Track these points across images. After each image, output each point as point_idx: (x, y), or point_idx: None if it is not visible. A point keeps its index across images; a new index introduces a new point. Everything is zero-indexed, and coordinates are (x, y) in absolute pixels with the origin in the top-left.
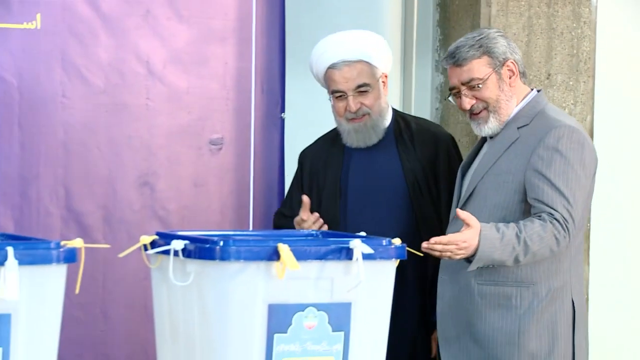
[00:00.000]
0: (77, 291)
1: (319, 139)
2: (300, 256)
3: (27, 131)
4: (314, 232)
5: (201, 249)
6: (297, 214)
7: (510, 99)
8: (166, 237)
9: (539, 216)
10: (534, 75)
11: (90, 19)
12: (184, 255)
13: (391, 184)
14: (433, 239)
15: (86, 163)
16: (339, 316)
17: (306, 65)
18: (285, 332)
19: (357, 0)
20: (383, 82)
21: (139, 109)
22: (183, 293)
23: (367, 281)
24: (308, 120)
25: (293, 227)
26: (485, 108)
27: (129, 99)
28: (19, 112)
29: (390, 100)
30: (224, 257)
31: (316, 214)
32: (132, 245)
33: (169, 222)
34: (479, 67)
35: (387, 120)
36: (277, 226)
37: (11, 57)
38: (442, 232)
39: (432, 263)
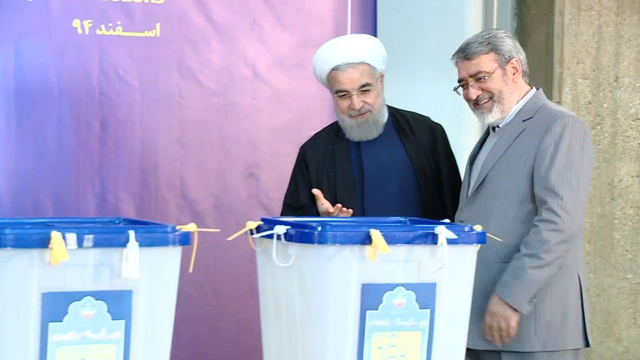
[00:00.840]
0: (190, 271)
1: (317, 133)
2: (390, 240)
3: (147, 128)
4: (402, 219)
5: (301, 234)
6: (305, 205)
7: (512, 92)
8: (270, 223)
9: (534, 225)
10: (603, 78)
11: (203, 28)
12: (285, 239)
13: (402, 171)
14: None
15: (199, 156)
16: (425, 295)
17: (396, 68)
18: (377, 309)
19: (441, 13)
20: (381, 81)
21: (245, 108)
22: (285, 273)
23: (450, 264)
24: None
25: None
26: (491, 98)
27: (237, 99)
28: (140, 111)
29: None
30: (322, 241)
31: (338, 205)
32: (239, 230)
33: (272, 209)
34: (486, 62)
35: (385, 116)
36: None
37: (133, 62)
38: (446, 215)
39: None
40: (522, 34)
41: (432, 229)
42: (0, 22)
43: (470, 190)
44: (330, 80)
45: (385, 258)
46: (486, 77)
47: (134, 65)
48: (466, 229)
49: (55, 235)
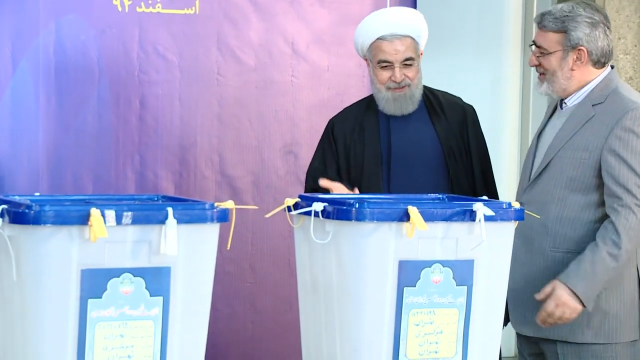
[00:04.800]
0: (228, 247)
1: (347, 108)
2: (428, 217)
3: (186, 105)
4: (439, 196)
5: (339, 211)
6: (333, 178)
7: (567, 79)
8: (308, 200)
9: (610, 212)
10: None
11: (242, 5)
12: (323, 216)
13: (430, 150)
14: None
15: (238, 133)
16: (462, 272)
17: (435, 47)
18: (414, 286)
19: None
20: (420, 57)
21: (284, 85)
22: (322, 250)
23: (488, 241)
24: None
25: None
26: (543, 74)
27: (276, 76)
28: (179, 87)
29: (511, 84)
30: (359, 218)
31: (356, 190)
32: (277, 207)
33: None
34: (551, 40)
35: (421, 92)
36: (314, 190)
37: (173, 39)
38: (474, 194)
39: None
40: None
41: (470, 205)
42: (42, 0)
43: (533, 173)
44: (373, 50)
45: (422, 235)
46: (543, 54)
47: (173, 43)
48: (504, 205)
49: (95, 212)
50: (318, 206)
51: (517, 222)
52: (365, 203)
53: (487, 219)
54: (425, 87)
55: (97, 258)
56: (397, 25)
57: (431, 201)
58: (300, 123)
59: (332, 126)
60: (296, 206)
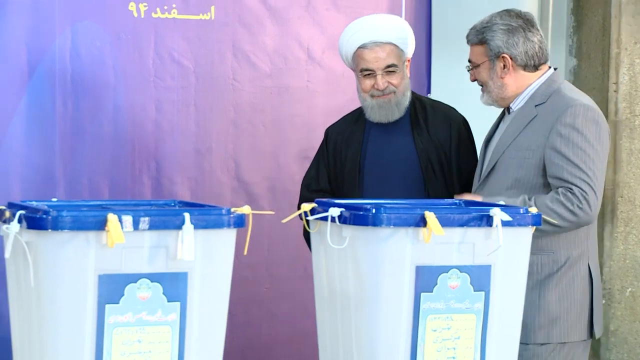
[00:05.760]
0: (245, 253)
1: (344, 116)
2: (445, 223)
3: (202, 110)
4: (456, 201)
5: (355, 216)
6: (324, 189)
7: (500, 87)
8: (324, 205)
9: (555, 191)
10: None
11: (257, 10)
12: (340, 221)
13: (405, 163)
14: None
15: (253, 139)
16: (480, 277)
17: (451, 50)
18: (431, 291)
19: None
20: (407, 65)
21: (300, 90)
22: (339, 255)
23: (505, 246)
24: (452, 100)
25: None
26: (482, 85)
27: (291, 81)
28: (194, 93)
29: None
30: (376, 223)
31: None
32: (293, 212)
33: None
34: (476, 52)
35: (408, 100)
36: (306, 199)
37: (188, 44)
38: None
39: None
40: (578, 14)
41: (487, 210)
42: (57, 6)
43: (482, 175)
44: (356, 59)
45: (439, 240)
46: (475, 67)
47: (188, 48)
48: (521, 210)
49: (112, 217)
50: (335, 211)
51: (534, 227)
52: (382, 208)
53: (504, 224)
54: (415, 96)
55: (114, 263)
56: (378, 32)
57: (448, 206)
58: (316, 128)
59: (327, 135)
60: (313, 211)
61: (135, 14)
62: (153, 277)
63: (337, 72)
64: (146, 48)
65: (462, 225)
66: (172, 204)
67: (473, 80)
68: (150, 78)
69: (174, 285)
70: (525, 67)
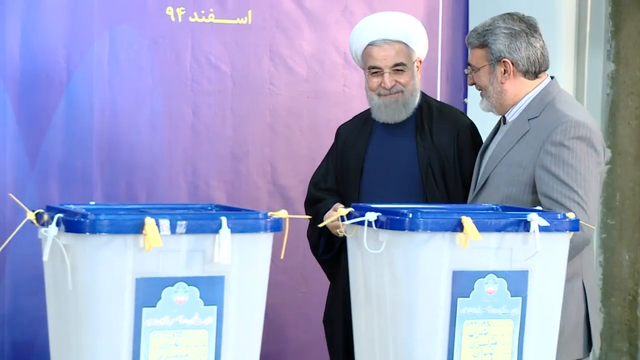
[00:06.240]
0: (281, 257)
1: (355, 116)
2: (482, 228)
3: (238, 115)
4: (493, 206)
5: (392, 221)
6: (331, 187)
7: (500, 93)
8: (361, 210)
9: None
10: None
11: (295, 15)
12: (376, 225)
13: (404, 167)
14: None
15: (290, 143)
16: (517, 283)
17: None
18: (468, 297)
19: None
20: (417, 66)
21: (336, 95)
22: (375, 260)
23: (543, 251)
24: None
25: (328, 199)
26: (481, 89)
27: (328, 86)
28: (231, 98)
29: (564, 85)
30: (413, 227)
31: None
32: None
33: None
34: (477, 56)
35: (417, 101)
36: (313, 197)
37: (225, 49)
38: None
39: None
40: (616, 19)
41: (524, 216)
42: (95, 10)
43: (476, 188)
44: (365, 57)
45: (476, 245)
46: (473, 71)
47: (225, 53)
48: (559, 216)
49: (149, 221)
50: (371, 216)
51: (572, 232)
52: (419, 213)
53: (542, 229)
54: (424, 98)
55: (151, 267)
56: (386, 30)
57: (485, 211)
58: None
59: (337, 134)
60: (349, 216)
61: (173, 19)
62: (190, 281)
63: None
64: (183, 52)
65: (499, 230)
66: (209, 208)
67: (471, 85)
68: (187, 82)
69: (210, 289)
70: (526, 74)
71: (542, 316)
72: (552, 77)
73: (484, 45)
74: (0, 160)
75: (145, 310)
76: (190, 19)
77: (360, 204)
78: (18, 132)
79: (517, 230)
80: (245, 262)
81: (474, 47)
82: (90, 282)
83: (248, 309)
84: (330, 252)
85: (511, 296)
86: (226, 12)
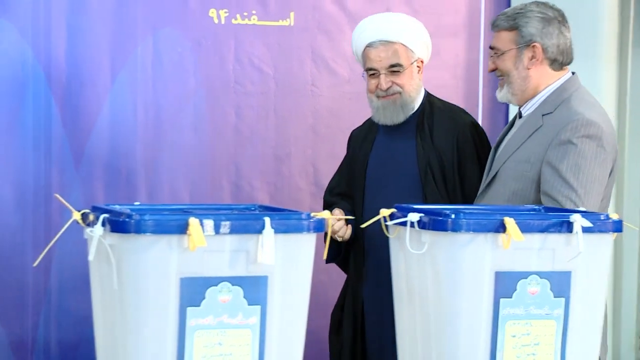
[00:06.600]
0: (324, 257)
1: (366, 120)
2: (524, 228)
3: (281, 116)
4: (536, 207)
5: (435, 221)
6: (345, 191)
7: (524, 79)
8: (403, 210)
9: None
10: None
11: (337, 17)
12: (419, 226)
13: (404, 169)
14: None
15: (332, 144)
16: (560, 283)
17: None
18: (511, 297)
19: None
20: (418, 66)
21: None
22: (418, 260)
23: (586, 252)
24: None
25: (339, 204)
26: (502, 77)
27: None
28: (274, 99)
29: (607, 91)
30: (455, 228)
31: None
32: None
33: None
34: (504, 39)
35: (417, 103)
36: (326, 202)
37: (268, 51)
38: None
39: None
40: None
41: (567, 217)
42: (139, 14)
43: (486, 182)
44: (363, 58)
45: (519, 246)
46: (497, 54)
47: (268, 54)
48: (602, 217)
49: (193, 221)
50: (414, 217)
51: (615, 233)
52: (461, 214)
53: (585, 230)
54: (428, 98)
55: (195, 267)
56: (382, 31)
57: (527, 212)
58: None
59: (349, 139)
60: (392, 216)
61: (216, 21)
62: (234, 281)
63: None
64: (226, 54)
65: (541, 231)
66: (253, 209)
67: (491, 70)
68: (230, 84)
69: (254, 289)
70: (553, 63)
71: (585, 317)
72: (573, 73)
73: (514, 27)
74: (46, 162)
75: (189, 309)
76: (233, 21)
77: (404, 205)
78: (64, 134)
79: (559, 231)
80: (289, 262)
81: (501, 29)
82: (135, 281)
83: (292, 309)
84: (337, 257)
85: (554, 297)
86: (268, 14)
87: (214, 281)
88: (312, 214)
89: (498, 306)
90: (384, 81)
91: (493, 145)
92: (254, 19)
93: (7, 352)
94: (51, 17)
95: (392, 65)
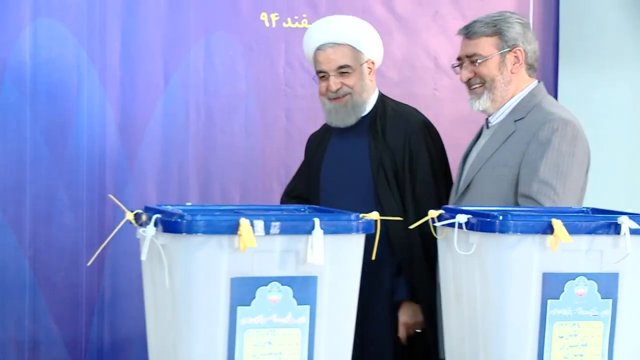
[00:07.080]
0: (373, 258)
1: (324, 124)
2: (572, 230)
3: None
4: (583, 209)
5: (483, 222)
6: (302, 194)
7: (507, 83)
8: (451, 212)
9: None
10: None
11: (386, 20)
12: (466, 227)
13: (357, 171)
14: None
15: None
16: (607, 285)
17: (579, 59)
18: (558, 298)
19: (626, 8)
20: (369, 67)
21: (427, 99)
22: (466, 261)
23: (633, 254)
24: (579, 109)
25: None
26: (482, 85)
27: (418, 89)
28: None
29: (623, 86)
30: (503, 230)
31: None
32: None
33: None
34: (485, 45)
35: (370, 104)
36: (282, 203)
37: None
38: (405, 223)
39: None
40: None
41: (614, 218)
42: (192, 17)
43: (458, 192)
44: (314, 62)
45: (566, 247)
46: (480, 61)
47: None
48: None
49: (244, 222)
50: (462, 218)
51: None
52: (509, 215)
53: (633, 232)
54: (382, 99)
55: (246, 267)
56: (330, 33)
57: (575, 214)
58: (442, 136)
59: (307, 142)
60: (440, 218)
61: (267, 24)
62: (283, 281)
63: None
64: (277, 57)
65: (589, 232)
66: (302, 210)
67: (467, 79)
68: (280, 87)
69: (303, 289)
70: (530, 68)
71: (633, 318)
72: (539, 81)
73: (496, 33)
74: (100, 163)
75: (240, 309)
76: (284, 25)
77: (451, 207)
78: (117, 135)
79: (607, 233)
80: (338, 263)
81: (481, 35)
82: (186, 281)
83: (341, 309)
84: None
85: (601, 298)
86: (319, 17)
87: (264, 281)
88: (361, 215)
89: (545, 307)
90: (333, 83)
91: (461, 156)
92: (304, 23)
93: (62, 351)
94: (106, 20)
95: (341, 67)
